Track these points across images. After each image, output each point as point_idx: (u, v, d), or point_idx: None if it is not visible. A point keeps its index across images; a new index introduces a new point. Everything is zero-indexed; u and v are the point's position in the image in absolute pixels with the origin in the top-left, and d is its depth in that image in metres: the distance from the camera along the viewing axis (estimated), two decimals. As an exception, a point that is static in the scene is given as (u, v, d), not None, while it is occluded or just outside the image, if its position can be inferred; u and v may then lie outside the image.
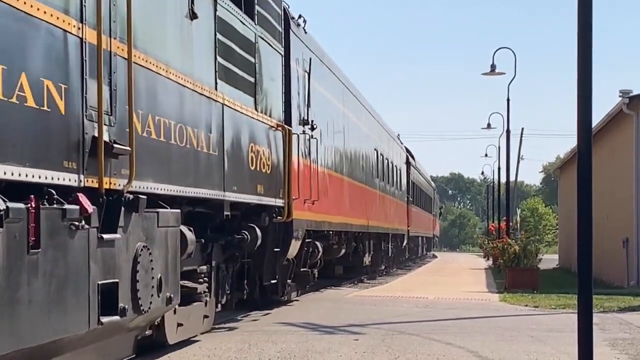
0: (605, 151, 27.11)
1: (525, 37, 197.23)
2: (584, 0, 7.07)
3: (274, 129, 12.16)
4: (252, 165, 10.86)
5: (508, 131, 32.24)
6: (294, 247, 14.44)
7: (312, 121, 15.45)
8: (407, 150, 38.26)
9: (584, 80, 7.07)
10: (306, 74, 15.40)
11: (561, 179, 46.07)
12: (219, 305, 11.04)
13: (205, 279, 10.03)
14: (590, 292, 7.10)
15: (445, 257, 61.83)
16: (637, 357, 9.84)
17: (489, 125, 44.50)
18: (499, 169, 46.33)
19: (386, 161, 28.11)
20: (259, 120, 11.28)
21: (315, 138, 15.78)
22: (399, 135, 35.78)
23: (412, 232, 37.86)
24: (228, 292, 11.24)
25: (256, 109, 11.13)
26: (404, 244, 35.56)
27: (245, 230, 10.98)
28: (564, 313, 15.30)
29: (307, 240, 15.62)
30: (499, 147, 46.84)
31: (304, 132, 15.00)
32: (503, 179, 38.72)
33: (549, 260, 38.19)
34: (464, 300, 18.22)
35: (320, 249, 16.72)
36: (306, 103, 15.26)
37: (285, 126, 12.75)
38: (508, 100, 31.96)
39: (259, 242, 11.21)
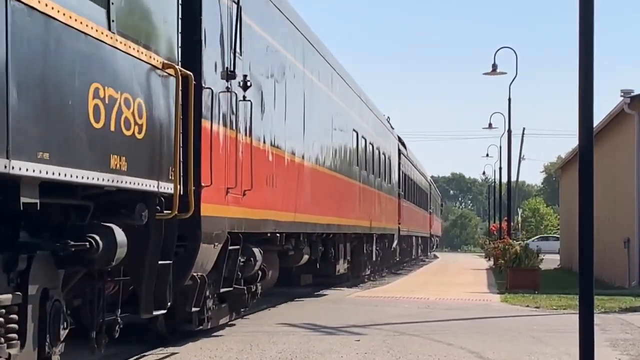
0: (607, 151, 27.08)
1: (527, 37, 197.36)
2: (585, 1, 7.05)
3: (157, 71, 7.61)
4: (96, 121, 6.40)
5: (509, 131, 32.25)
6: (206, 258, 9.96)
7: (244, 76, 11.01)
8: (399, 138, 33.38)
9: (585, 80, 7.06)
10: (235, 6, 10.85)
11: (562, 179, 46.04)
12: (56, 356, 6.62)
13: (11, 316, 6.01)
14: (592, 292, 7.09)
15: (447, 258, 61.81)
16: (639, 358, 9.83)
17: (490, 125, 44.50)
18: (500, 169, 46.47)
19: (370, 147, 23.21)
20: (115, 48, 6.78)
21: (249, 100, 11.12)
22: (389, 118, 30.25)
23: (404, 231, 33.45)
24: (65, 329, 6.70)
25: (110, 28, 6.71)
26: (394, 245, 29.75)
27: (95, 233, 6.54)
28: (565, 313, 15.29)
29: (234, 246, 10.99)
30: (500, 147, 46.84)
31: (228, 90, 10.52)
32: (504, 179, 38.82)
33: (550, 260, 38.17)
34: (465, 301, 18.20)
35: (259, 258, 11.99)
36: (233, 48, 10.60)
37: (182, 69, 8.02)
38: (509, 100, 31.98)
39: (119, 251, 6.70)
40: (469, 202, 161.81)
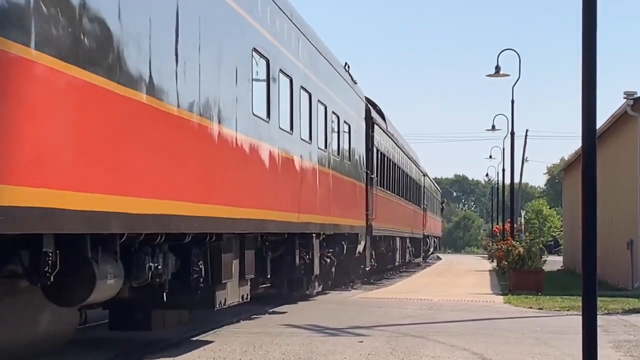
0: (610, 153, 27.09)
1: (530, 39, 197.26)
2: (588, 2, 7.07)
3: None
4: None
5: (512, 133, 32.21)
6: None
7: None
8: (371, 103, 25.02)
9: (588, 82, 7.07)
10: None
11: (565, 181, 46.05)
12: None
13: None
14: (595, 294, 7.11)
15: (450, 259, 61.78)
16: (642, 359, 9.83)
17: (493, 127, 44.49)
18: (503, 170, 46.41)
19: (317, 106, 15.62)
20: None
21: None
22: (347, 66, 20.07)
23: (379, 230, 24.78)
24: None
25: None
26: (360, 248, 21.35)
27: None
28: (569, 315, 15.29)
29: None
30: (504, 149, 46.85)
31: None
32: (507, 181, 38.70)
33: (553, 262, 38.16)
34: (468, 302, 18.21)
35: None
36: None
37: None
38: (512, 101, 31.93)
39: None
40: (472, 203, 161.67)
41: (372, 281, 26.21)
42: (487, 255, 59.41)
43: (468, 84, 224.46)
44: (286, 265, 14.75)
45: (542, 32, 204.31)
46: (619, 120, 25.42)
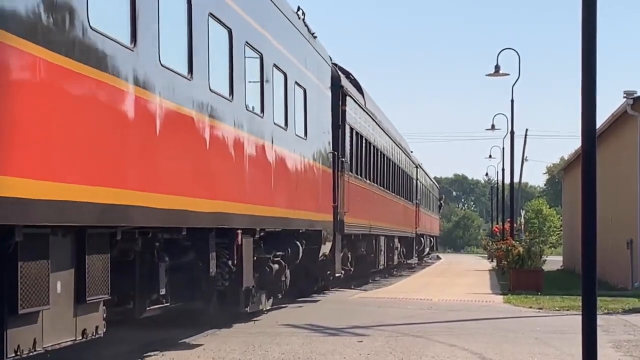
0: (610, 152, 27.08)
1: (530, 38, 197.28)
2: (588, 2, 7.06)
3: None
4: None
5: (512, 132, 32.20)
6: None
7: None
8: (341, 70, 20.35)
9: (588, 81, 7.06)
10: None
11: (565, 181, 46.04)
12: None
13: None
14: (595, 293, 7.09)
15: (449, 259, 61.79)
16: (642, 359, 9.83)
17: (493, 127, 44.48)
18: (503, 170, 46.39)
19: (242, 48, 11.31)
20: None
21: None
22: (302, 13, 15.33)
23: (353, 227, 20.28)
24: None
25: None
26: (326, 250, 16.94)
27: None
28: (568, 315, 15.28)
29: None
30: (503, 148, 46.80)
31: None
32: (507, 180, 38.70)
33: (553, 261, 38.16)
34: (468, 302, 18.20)
35: None
36: None
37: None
38: (512, 101, 31.94)
39: None
40: (472, 203, 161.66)
41: (371, 281, 26.16)
42: (486, 255, 59.40)
43: (468, 83, 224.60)
44: (195, 275, 10.53)
45: (542, 32, 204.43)
46: (619, 119, 25.41)
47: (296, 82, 14.23)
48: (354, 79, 22.50)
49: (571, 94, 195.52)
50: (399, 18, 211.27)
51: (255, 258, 12.05)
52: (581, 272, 7.14)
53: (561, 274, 35.94)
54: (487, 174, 76.23)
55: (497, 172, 58.86)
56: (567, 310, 16.23)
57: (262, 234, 12.24)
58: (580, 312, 7.11)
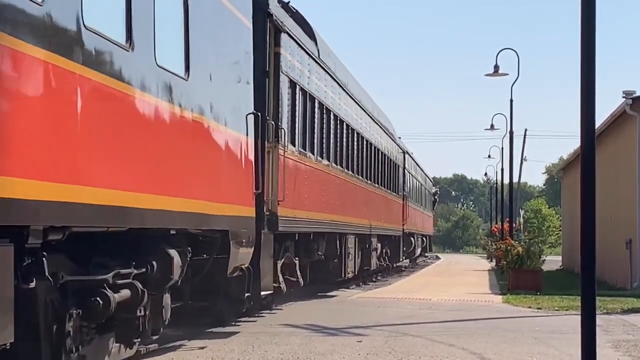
0: (609, 152, 27.09)
1: (529, 38, 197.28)
2: (587, 1, 7.06)
3: None
4: None
5: (511, 132, 32.21)
6: None
7: None
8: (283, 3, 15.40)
9: (587, 81, 7.06)
10: None
11: (564, 180, 46.06)
12: None
13: None
14: (594, 293, 7.10)
15: (448, 259, 61.80)
16: (641, 359, 9.83)
17: (492, 127, 44.48)
18: (502, 170, 46.40)
19: None
20: None
21: None
22: None
23: (296, 222, 14.53)
24: None
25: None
26: (243, 259, 10.80)
27: None
28: (567, 315, 15.29)
29: None
30: (502, 148, 46.77)
31: None
32: (506, 180, 38.69)
33: (552, 261, 38.17)
34: (467, 302, 18.20)
35: None
36: None
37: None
38: (511, 101, 31.92)
39: None
40: (471, 203, 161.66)
41: (371, 281, 26.09)
42: (486, 255, 59.41)
43: (467, 83, 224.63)
44: None
45: (541, 32, 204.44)
46: (618, 119, 25.42)
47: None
48: (303, 18, 16.54)
49: (570, 94, 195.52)
50: (399, 18, 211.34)
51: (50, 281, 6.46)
52: (580, 272, 7.14)
53: (560, 273, 35.95)
54: (486, 174, 76.29)
55: (496, 172, 58.76)
56: (566, 310, 16.23)
57: (60, 237, 6.39)
58: (580, 312, 7.11)
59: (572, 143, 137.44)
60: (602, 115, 27.38)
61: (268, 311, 14.31)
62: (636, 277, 23.52)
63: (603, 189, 22.51)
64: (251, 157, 11.09)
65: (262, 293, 12.42)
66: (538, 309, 16.67)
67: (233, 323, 12.39)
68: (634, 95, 23.60)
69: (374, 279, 26.89)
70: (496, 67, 30.92)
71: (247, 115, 10.98)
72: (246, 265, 11.10)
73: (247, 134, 10.92)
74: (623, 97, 23.91)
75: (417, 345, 10.64)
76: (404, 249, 33.93)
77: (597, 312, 7.32)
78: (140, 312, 7.97)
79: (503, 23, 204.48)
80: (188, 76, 8.66)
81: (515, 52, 31.82)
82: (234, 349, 10.09)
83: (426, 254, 54.75)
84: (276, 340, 10.84)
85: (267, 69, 13.02)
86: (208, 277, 10.16)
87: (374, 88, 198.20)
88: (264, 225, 12.43)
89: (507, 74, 31.28)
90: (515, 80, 31.76)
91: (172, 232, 8.57)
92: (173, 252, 8.50)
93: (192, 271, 9.62)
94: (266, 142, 12.54)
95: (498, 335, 11.91)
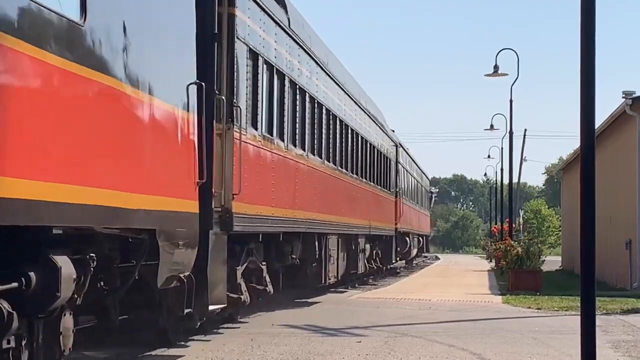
0: (609, 152, 27.09)
1: (529, 39, 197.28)
2: (587, 2, 7.06)
3: None
4: None
5: (511, 132, 32.21)
6: None
7: None
8: None
9: (587, 82, 7.05)
10: None
11: (564, 181, 46.06)
12: None
13: None
14: (593, 294, 7.09)
15: (448, 259, 61.79)
16: (641, 359, 9.82)
17: (491, 127, 44.50)
18: (501, 170, 46.42)
19: None
20: None
21: None
22: None
23: (255, 221, 11.67)
24: None
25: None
26: (181, 267, 8.68)
27: None
28: (567, 315, 15.28)
29: None
30: (502, 149, 46.78)
31: None
32: (506, 181, 38.70)
33: (552, 262, 38.17)
34: (466, 302, 18.19)
35: None
36: None
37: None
38: (511, 101, 31.93)
39: None
40: (471, 203, 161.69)
41: (370, 281, 26.04)
42: (485, 255, 59.40)
43: (466, 83, 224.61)
44: None
45: (541, 32, 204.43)
46: (618, 119, 25.41)
47: None
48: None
49: (570, 94, 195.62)
50: (398, 18, 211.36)
51: None
52: (580, 272, 7.13)
53: (560, 274, 35.94)
54: (485, 174, 76.62)
55: (496, 172, 58.96)
56: (566, 310, 16.22)
57: None
58: (579, 313, 7.10)
59: (572, 143, 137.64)
60: (602, 115, 27.43)
61: (230, 325, 12.30)
62: (636, 278, 23.51)
63: (603, 189, 22.52)
64: (193, 138, 8.91)
65: (211, 307, 9.96)
66: (538, 309, 16.66)
67: (182, 342, 10.37)
68: (634, 95, 23.59)
69: (361, 283, 24.65)
70: (496, 67, 30.93)
71: (188, 85, 8.85)
72: (186, 274, 8.77)
73: (187, 109, 8.76)
74: (623, 97, 23.91)
75: (416, 345, 10.63)
76: (398, 249, 31.18)
77: (596, 313, 7.32)
78: (8, 343, 5.84)
79: (503, 23, 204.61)
80: (84, 20, 6.39)
81: (515, 52, 31.84)
82: (233, 349, 10.06)
83: (425, 254, 53.14)
84: (276, 341, 10.81)
85: (216, 31, 10.20)
86: (142, 288, 8.41)
87: (374, 88, 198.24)
88: (212, 224, 9.88)
89: (506, 74, 31.30)
90: (515, 81, 31.78)
91: (56, 231, 6.25)
92: (62, 260, 6.25)
93: (121, 280, 8.05)
94: (215, 121, 10.03)
95: (498, 335, 11.90)
